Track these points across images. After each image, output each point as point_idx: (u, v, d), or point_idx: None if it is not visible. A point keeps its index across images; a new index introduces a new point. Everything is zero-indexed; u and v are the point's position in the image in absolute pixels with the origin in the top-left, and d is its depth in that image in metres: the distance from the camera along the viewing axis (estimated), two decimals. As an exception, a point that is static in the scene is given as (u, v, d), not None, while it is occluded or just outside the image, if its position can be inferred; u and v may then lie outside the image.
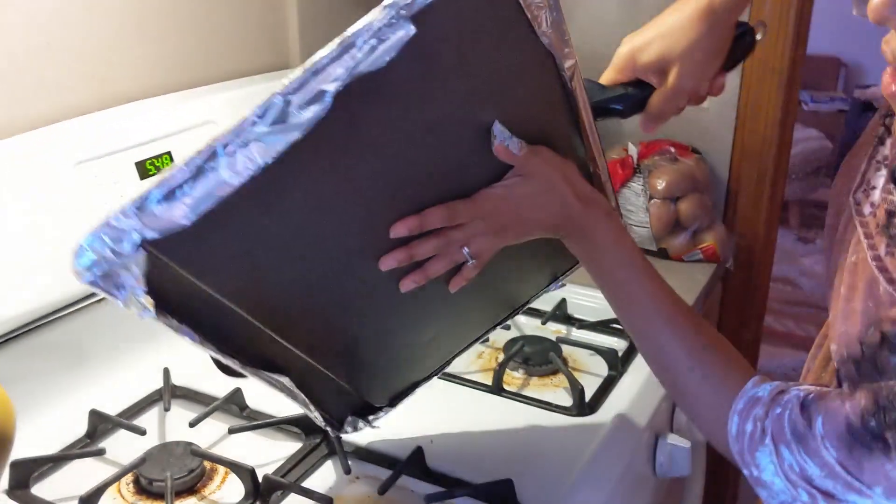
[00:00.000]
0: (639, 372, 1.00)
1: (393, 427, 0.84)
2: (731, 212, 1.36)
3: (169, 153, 1.03)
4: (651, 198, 1.28)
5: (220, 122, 1.09)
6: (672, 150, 1.32)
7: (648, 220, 1.28)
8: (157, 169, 1.01)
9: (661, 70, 0.74)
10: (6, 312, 0.85)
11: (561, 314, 1.16)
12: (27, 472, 0.81)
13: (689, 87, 0.74)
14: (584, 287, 1.23)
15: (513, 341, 1.06)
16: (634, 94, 0.75)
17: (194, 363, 1.00)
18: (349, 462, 0.82)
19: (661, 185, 1.27)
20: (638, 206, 1.28)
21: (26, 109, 0.95)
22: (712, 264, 1.30)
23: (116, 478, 0.79)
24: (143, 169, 0.99)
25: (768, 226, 1.35)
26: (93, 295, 0.95)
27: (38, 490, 0.81)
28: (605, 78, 0.77)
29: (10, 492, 0.80)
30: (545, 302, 1.15)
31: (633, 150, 1.32)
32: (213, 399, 0.91)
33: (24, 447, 0.83)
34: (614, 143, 1.41)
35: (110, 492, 0.80)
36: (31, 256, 0.87)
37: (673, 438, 0.98)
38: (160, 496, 0.79)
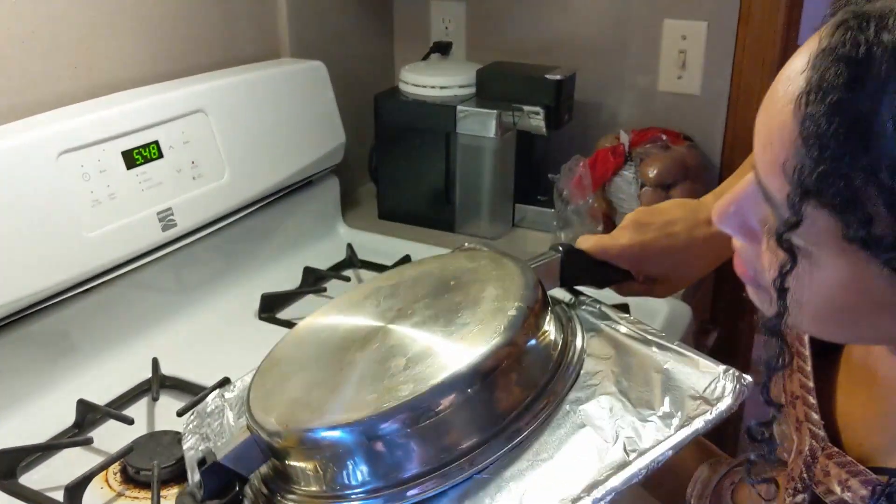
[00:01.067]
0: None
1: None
2: (723, 199, 1.36)
3: (156, 143, 1.02)
4: (643, 185, 1.27)
5: (208, 111, 1.09)
6: (664, 137, 1.31)
7: (640, 208, 1.27)
8: (144, 159, 1.01)
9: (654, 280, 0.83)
10: (-8, 303, 0.84)
11: None
12: (14, 462, 0.81)
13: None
14: (430, 244, 1.28)
15: None
16: (614, 279, 0.83)
17: (183, 354, 1.00)
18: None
19: (652, 172, 1.26)
20: (629, 195, 1.28)
21: (10, 99, 0.95)
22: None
23: (103, 467, 0.79)
24: (130, 158, 0.99)
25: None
26: (79, 285, 0.94)
27: (25, 480, 0.81)
28: (599, 243, 0.80)
29: (-3, 482, 0.80)
30: (389, 257, 1.21)
31: (624, 138, 1.31)
32: (202, 389, 0.91)
33: (11, 437, 0.83)
34: (606, 131, 1.40)
35: (98, 481, 0.80)
36: (15, 247, 0.87)
37: None
38: (147, 485, 0.79)
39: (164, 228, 1.02)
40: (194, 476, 0.65)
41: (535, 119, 1.27)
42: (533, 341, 0.64)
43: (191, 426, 0.76)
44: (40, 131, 0.91)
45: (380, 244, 1.32)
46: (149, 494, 0.78)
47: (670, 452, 0.59)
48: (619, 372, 0.67)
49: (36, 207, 0.89)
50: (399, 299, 0.72)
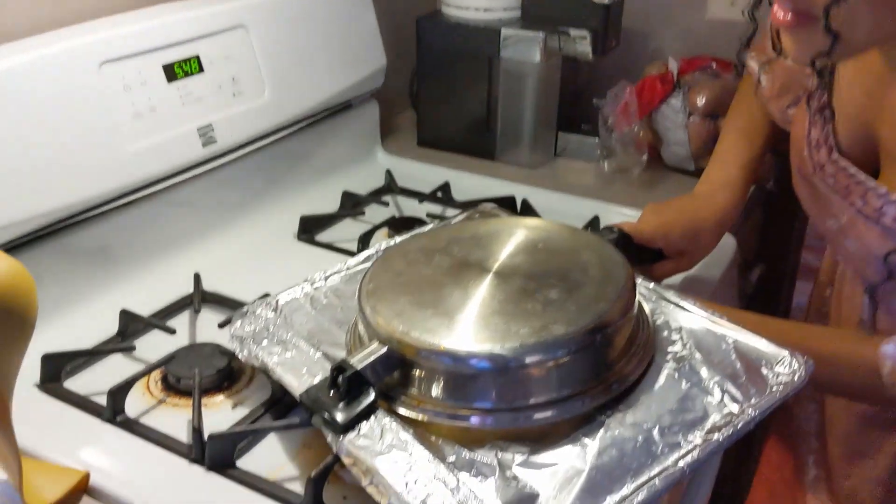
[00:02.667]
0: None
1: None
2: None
3: (197, 57, 1.01)
4: (690, 115, 1.24)
5: (249, 27, 1.07)
6: (714, 65, 1.27)
7: (687, 139, 1.24)
8: (185, 73, 0.99)
9: (679, 249, 0.94)
10: (31, 211, 0.85)
11: (443, 196, 1.22)
12: (59, 367, 0.82)
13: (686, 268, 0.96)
14: (469, 173, 1.29)
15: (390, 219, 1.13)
16: (651, 260, 0.94)
17: (223, 271, 1.00)
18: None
19: (701, 101, 1.23)
20: (676, 124, 1.25)
21: (52, 7, 0.94)
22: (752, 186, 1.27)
23: (145, 373, 0.80)
24: (171, 72, 0.98)
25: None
26: (121, 197, 0.94)
27: (69, 384, 0.82)
28: (633, 227, 0.92)
29: (42, 385, 0.81)
30: (427, 184, 1.22)
31: (672, 65, 1.27)
32: (242, 304, 0.91)
33: (55, 343, 0.84)
34: (654, 58, 1.36)
35: (139, 388, 0.81)
36: (57, 155, 0.87)
37: None
38: (188, 393, 0.80)
39: (205, 144, 1.01)
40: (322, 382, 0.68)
41: (581, 44, 1.23)
42: (636, 306, 0.73)
43: (245, 331, 0.79)
44: (82, 39, 0.90)
45: (419, 171, 1.31)
46: (188, 401, 0.79)
47: (758, 417, 0.66)
48: (692, 342, 0.74)
49: (77, 116, 0.88)
50: (490, 251, 0.77)
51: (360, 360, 0.67)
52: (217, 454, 0.71)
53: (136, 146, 0.94)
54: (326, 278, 0.85)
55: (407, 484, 0.59)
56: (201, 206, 1.06)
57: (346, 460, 0.63)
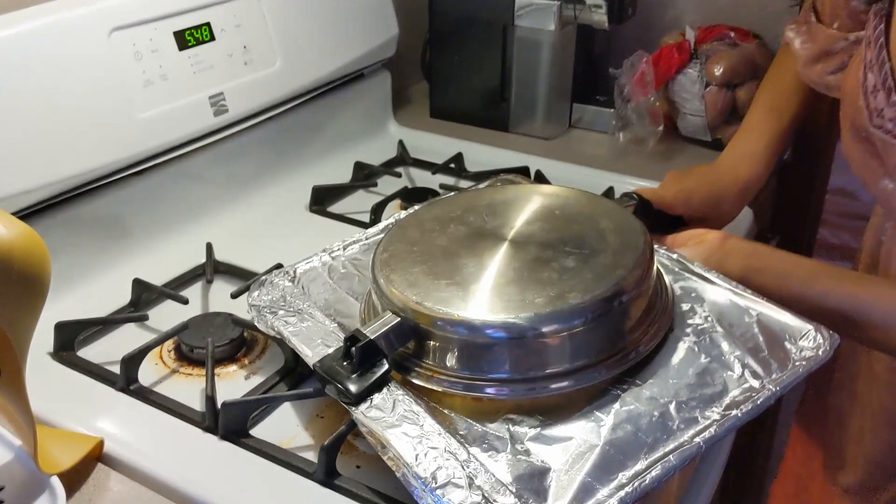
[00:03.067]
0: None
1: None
2: (791, 102, 1.30)
3: (208, 24, 1.00)
4: (708, 84, 1.22)
5: (260, -6, 1.06)
6: (732, 34, 1.25)
7: (704, 109, 1.22)
8: (196, 41, 0.98)
9: (699, 216, 0.92)
10: (42, 179, 0.84)
11: (456, 167, 1.21)
12: (72, 335, 0.82)
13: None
14: (482, 144, 1.28)
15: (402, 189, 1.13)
16: (671, 227, 0.90)
17: (235, 241, 1.00)
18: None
19: (718, 70, 1.21)
20: (693, 94, 1.23)
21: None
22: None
23: (158, 342, 0.80)
24: (182, 39, 0.97)
25: (831, 115, 1.29)
26: (132, 167, 0.94)
27: (83, 353, 0.82)
28: (654, 193, 0.91)
29: (56, 353, 0.81)
30: (440, 156, 1.21)
31: (690, 34, 1.25)
32: (254, 274, 0.91)
33: (68, 313, 0.84)
34: (671, 27, 1.34)
35: (152, 357, 0.81)
36: (67, 123, 0.86)
37: None
38: (200, 363, 0.80)
39: (216, 114, 1.00)
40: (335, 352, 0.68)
41: (597, 12, 1.21)
42: (654, 275, 0.72)
43: (264, 301, 0.78)
44: (92, 6, 0.89)
45: (431, 142, 1.30)
46: (201, 371, 0.79)
47: (779, 393, 0.65)
48: (714, 314, 0.73)
49: (87, 84, 0.87)
50: (506, 218, 0.76)
51: (373, 331, 0.66)
52: (231, 422, 0.70)
53: (146, 115, 0.93)
54: (345, 248, 0.85)
55: (417, 456, 0.59)
56: (213, 177, 1.05)
57: (362, 429, 0.63)
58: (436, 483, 0.57)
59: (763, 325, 0.71)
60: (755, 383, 0.66)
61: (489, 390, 0.65)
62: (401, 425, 0.62)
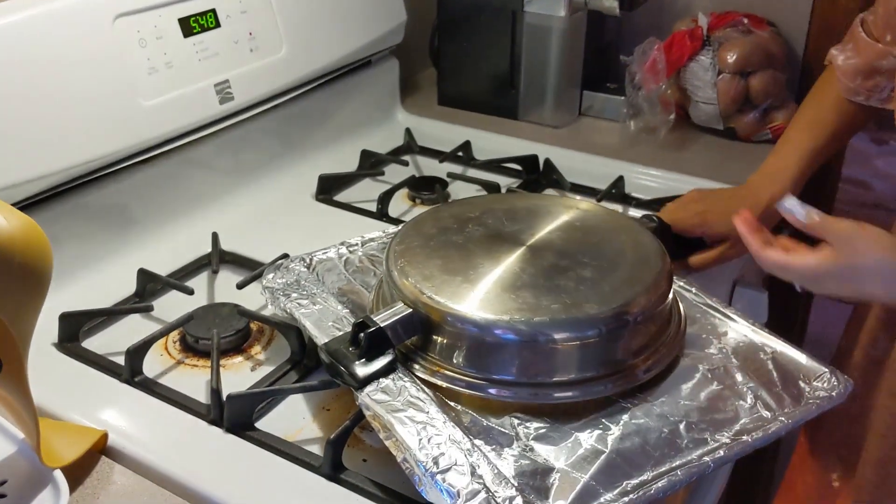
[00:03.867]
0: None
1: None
2: (805, 90, 1.27)
3: (213, 11, 0.98)
4: (720, 72, 1.20)
5: (266, -20, 1.05)
6: (745, 21, 1.22)
7: (716, 97, 1.21)
8: (201, 27, 0.97)
9: (717, 241, 0.89)
10: (46, 168, 0.83)
11: (463, 155, 1.20)
12: (77, 326, 0.81)
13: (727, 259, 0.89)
14: (491, 132, 1.26)
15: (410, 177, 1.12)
16: (690, 250, 0.90)
17: (241, 231, 0.99)
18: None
19: (731, 58, 1.19)
20: (706, 82, 1.21)
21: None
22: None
23: (163, 333, 0.79)
24: (187, 26, 0.96)
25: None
26: (138, 155, 0.93)
27: (87, 344, 0.81)
28: (671, 215, 0.89)
29: (60, 344, 0.80)
30: (447, 144, 1.20)
31: (703, 21, 1.23)
32: (260, 264, 0.90)
33: (73, 303, 0.83)
34: (683, 13, 1.32)
35: (158, 349, 0.80)
36: (72, 111, 0.85)
37: (750, 286, 0.99)
38: (206, 354, 0.79)
39: (222, 101, 0.99)
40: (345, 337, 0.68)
41: (607, -2, 1.20)
42: (670, 298, 0.71)
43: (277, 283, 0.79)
44: (96, -8, 0.88)
45: (439, 130, 1.28)
46: (207, 362, 0.78)
47: (790, 426, 0.65)
48: (730, 348, 0.72)
49: (91, 71, 0.86)
50: (525, 224, 0.76)
51: (383, 319, 0.66)
52: (236, 415, 0.70)
53: (151, 102, 0.92)
54: (363, 244, 0.85)
55: (420, 441, 0.59)
56: (219, 166, 1.04)
57: (366, 413, 0.62)
58: (437, 468, 0.57)
59: (778, 362, 0.71)
60: (767, 414, 0.65)
61: (493, 391, 0.64)
62: (406, 410, 0.61)
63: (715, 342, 0.73)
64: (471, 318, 0.64)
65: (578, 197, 1.11)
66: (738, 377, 0.69)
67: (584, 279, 0.68)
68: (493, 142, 1.24)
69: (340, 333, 0.69)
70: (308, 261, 0.82)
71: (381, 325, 0.65)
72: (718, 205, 0.90)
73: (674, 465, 0.60)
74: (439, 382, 0.65)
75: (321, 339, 0.70)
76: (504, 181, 1.13)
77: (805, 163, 0.89)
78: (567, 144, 1.23)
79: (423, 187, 1.10)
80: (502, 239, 0.73)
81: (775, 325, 1.06)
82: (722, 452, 0.61)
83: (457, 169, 1.17)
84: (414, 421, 0.60)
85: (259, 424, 0.71)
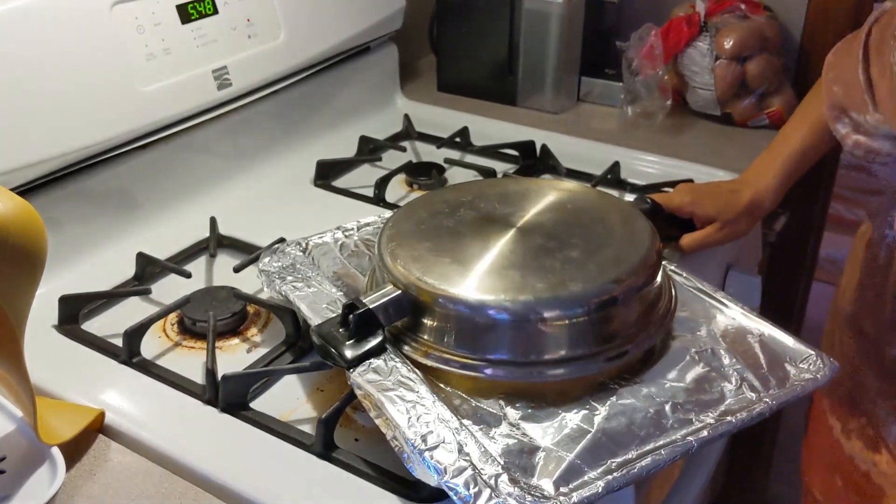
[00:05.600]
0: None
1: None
2: (802, 75, 1.28)
3: (211, -3, 0.99)
4: (717, 58, 1.20)
5: (263, -34, 1.05)
6: (742, 6, 1.22)
7: (713, 82, 1.21)
8: (199, 14, 0.98)
9: (706, 223, 0.90)
10: (44, 153, 0.84)
11: (461, 141, 1.20)
12: (76, 308, 0.83)
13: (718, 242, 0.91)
14: (489, 118, 1.27)
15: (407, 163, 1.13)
16: (681, 232, 0.91)
17: (239, 216, 1.00)
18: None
19: (728, 43, 1.19)
20: (703, 67, 1.21)
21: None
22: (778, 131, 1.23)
23: (161, 315, 0.80)
24: (185, 13, 0.96)
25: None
26: (136, 140, 0.94)
27: (86, 326, 0.83)
28: (666, 201, 0.90)
29: (60, 326, 0.82)
30: (446, 130, 1.21)
31: (700, 7, 1.23)
32: (258, 249, 0.91)
33: (72, 286, 0.85)
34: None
35: (156, 331, 0.82)
36: (70, 97, 0.86)
37: (743, 271, 1.00)
38: (203, 336, 0.80)
39: (220, 87, 1.00)
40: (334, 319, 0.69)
41: (605, -16, 1.20)
42: (659, 278, 0.72)
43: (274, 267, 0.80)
44: (93, -21, 0.88)
45: (438, 116, 1.29)
46: (203, 344, 0.79)
47: (775, 408, 0.65)
48: (718, 330, 0.73)
49: (89, 58, 0.87)
50: (516, 207, 0.76)
51: (372, 300, 0.67)
52: (230, 395, 0.71)
53: (149, 88, 0.93)
54: (359, 228, 0.86)
55: (409, 419, 0.60)
56: (217, 151, 1.05)
57: (357, 392, 0.64)
58: (425, 445, 0.58)
59: (765, 345, 0.72)
60: (752, 396, 0.66)
61: (484, 370, 0.65)
62: (396, 389, 0.63)
63: (704, 325, 0.74)
64: (458, 297, 0.65)
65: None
66: (725, 359, 0.70)
67: (571, 259, 0.69)
68: (491, 127, 1.25)
69: (333, 316, 0.70)
70: (304, 245, 0.83)
71: (371, 306, 0.66)
72: (709, 189, 0.92)
73: (658, 444, 0.61)
74: (429, 363, 0.66)
75: (315, 320, 0.71)
76: (501, 167, 1.14)
77: (794, 161, 0.91)
78: (565, 130, 1.23)
79: (420, 173, 1.11)
80: (493, 221, 0.74)
81: (773, 311, 1.07)
82: (706, 433, 0.62)
83: (454, 155, 1.18)
84: (404, 400, 0.62)
85: (254, 404, 0.72)
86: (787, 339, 0.72)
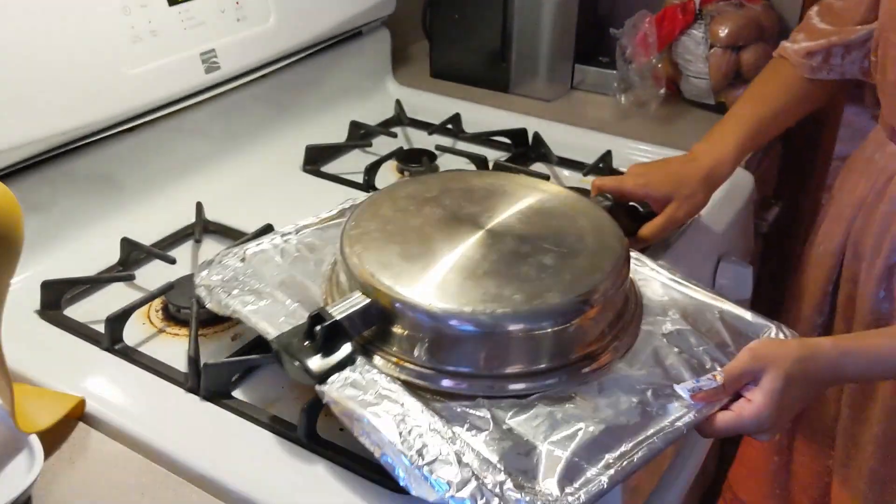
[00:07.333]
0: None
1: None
2: (798, 66, 1.26)
3: (199, -22, 0.97)
4: (712, 46, 1.19)
5: (253, -52, 1.04)
6: (739, -6, 1.21)
7: (707, 71, 1.20)
8: (187, -5, 0.96)
9: (664, 204, 0.87)
10: (28, 136, 0.83)
11: (453, 128, 1.19)
12: (59, 294, 0.82)
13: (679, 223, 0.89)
14: (482, 105, 1.26)
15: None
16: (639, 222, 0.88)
17: (226, 201, 0.99)
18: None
19: (723, 32, 1.18)
20: (697, 56, 1.20)
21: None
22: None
23: (144, 302, 0.79)
24: (172, -7, 0.95)
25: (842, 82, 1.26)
26: (122, 124, 0.93)
27: (69, 312, 0.82)
28: (617, 189, 0.88)
29: (42, 311, 0.81)
30: (438, 116, 1.19)
31: (695, -6, 1.22)
32: (244, 234, 0.90)
33: (55, 271, 0.84)
34: (676, -13, 1.30)
35: (140, 317, 0.81)
36: (55, 79, 0.84)
37: (735, 262, 0.99)
38: (187, 323, 0.79)
39: (208, 71, 0.99)
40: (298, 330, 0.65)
41: (600, -30, 1.19)
42: (629, 276, 0.71)
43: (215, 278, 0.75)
44: (78, -41, 0.87)
45: (430, 102, 1.28)
46: (187, 331, 0.78)
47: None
48: (679, 311, 0.72)
49: (74, 39, 0.86)
50: (483, 206, 0.74)
51: (340, 311, 0.64)
52: (213, 383, 0.70)
53: (136, 70, 0.91)
54: (297, 231, 0.81)
55: (401, 434, 0.57)
56: (205, 135, 1.04)
57: (335, 409, 0.61)
58: (423, 460, 0.56)
59: (726, 322, 0.71)
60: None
61: (456, 384, 0.63)
62: (380, 403, 0.60)
63: (664, 306, 0.73)
64: (433, 309, 0.63)
65: (567, 172, 1.12)
66: (693, 339, 0.69)
67: (545, 266, 0.67)
68: (483, 114, 1.23)
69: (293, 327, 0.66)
70: (242, 254, 0.78)
71: (338, 317, 0.63)
72: (660, 167, 0.90)
73: (649, 433, 0.60)
74: (401, 375, 0.63)
75: (273, 336, 0.66)
76: (493, 154, 1.13)
77: (747, 133, 0.90)
78: (558, 118, 1.22)
79: (411, 159, 1.10)
80: (461, 221, 0.72)
81: (766, 302, 1.07)
82: (692, 416, 0.62)
83: (446, 141, 1.17)
84: (390, 414, 0.59)
85: (237, 393, 0.72)
86: (745, 314, 0.72)
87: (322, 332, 0.63)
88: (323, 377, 0.62)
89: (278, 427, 0.67)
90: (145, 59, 0.92)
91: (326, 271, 0.75)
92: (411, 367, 0.64)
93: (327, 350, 0.63)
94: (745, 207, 1.06)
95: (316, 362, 0.62)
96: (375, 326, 0.65)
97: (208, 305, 0.73)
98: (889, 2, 0.80)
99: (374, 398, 0.61)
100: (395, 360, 0.65)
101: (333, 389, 0.61)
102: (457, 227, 0.71)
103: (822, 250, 0.96)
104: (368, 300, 0.65)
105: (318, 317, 0.64)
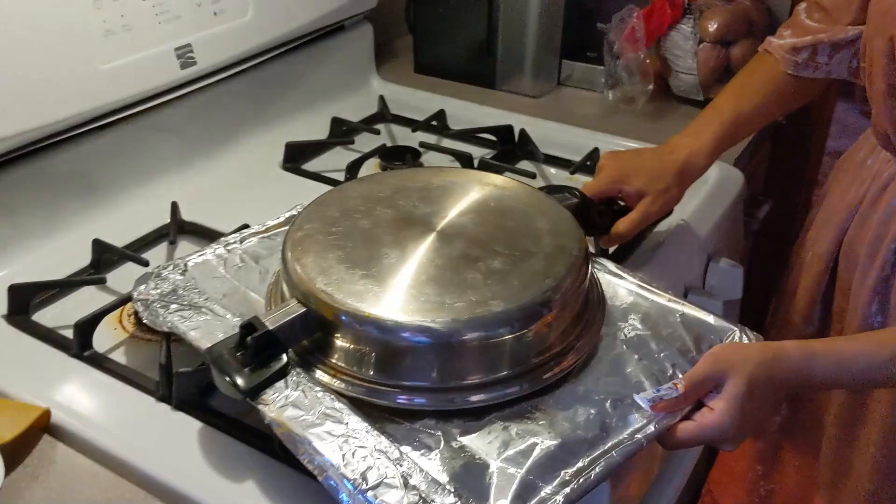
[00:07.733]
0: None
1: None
2: (788, 61, 1.25)
3: (175, -31, 0.94)
4: (701, 41, 1.17)
5: (230, -60, 1.00)
6: (728, -12, 1.19)
7: (696, 66, 1.18)
8: (161, -12, 0.93)
9: (637, 199, 0.84)
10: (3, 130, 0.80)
11: (437, 125, 1.17)
12: (27, 298, 0.79)
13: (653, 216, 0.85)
14: (467, 101, 1.23)
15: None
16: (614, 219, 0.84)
17: (202, 200, 0.96)
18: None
19: (712, 27, 1.16)
20: (686, 51, 1.18)
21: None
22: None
23: (115, 306, 0.76)
24: (148, -14, 0.92)
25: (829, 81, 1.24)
26: (95, 120, 0.90)
27: (38, 317, 0.79)
28: (591, 189, 0.84)
29: (9, 317, 0.78)
30: (422, 112, 1.17)
31: (684, -12, 1.20)
32: (220, 235, 0.87)
33: (25, 274, 0.81)
34: (665, -19, 1.28)
35: (112, 322, 0.78)
36: (23, 74, 0.81)
37: (725, 262, 0.97)
38: (161, 328, 0.77)
39: (183, 66, 0.96)
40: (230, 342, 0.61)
41: (587, -37, 1.16)
42: (587, 281, 0.68)
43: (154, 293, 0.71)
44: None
45: (414, 98, 1.25)
46: (160, 337, 0.76)
47: None
48: (639, 315, 0.70)
49: (44, 33, 0.83)
50: (438, 206, 0.71)
51: (273, 321, 0.60)
52: (185, 392, 0.68)
53: (109, 66, 0.88)
54: (242, 241, 0.78)
55: (344, 456, 0.55)
56: (181, 132, 1.01)
57: (276, 431, 0.57)
58: (366, 484, 0.53)
59: (688, 325, 0.69)
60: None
61: (400, 399, 0.60)
62: (323, 424, 0.57)
63: (625, 311, 0.71)
64: (368, 317, 0.59)
65: (554, 170, 1.09)
66: (653, 345, 0.67)
67: (493, 271, 0.63)
68: (468, 111, 1.21)
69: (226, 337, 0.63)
70: (183, 266, 0.74)
71: (271, 327, 0.60)
72: (634, 160, 0.87)
73: (607, 446, 0.58)
74: (346, 391, 0.60)
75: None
76: (478, 152, 1.11)
77: (725, 126, 0.88)
78: (544, 115, 1.20)
79: (394, 157, 1.08)
80: (412, 223, 0.68)
81: (757, 302, 1.05)
82: (652, 428, 0.59)
83: (430, 139, 1.14)
84: (333, 434, 0.56)
85: (212, 402, 0.69)
86: (707, 317, 0.70)
87: (253, 343, 0.59)
88: (253, 392, 0.58)
89: (254, 439, 0.65)
90: (118, 54, 0.89)
91: (271, 279, 0.72)
92: (355, 381, 0.61)
93: (260, 362, 0.59)
94: (734, 206, 1.04)
95: (245, 377, 0.58)
96: (317, 335, 0.62)
97: (146, 321, 0.68)
98: (876, 4, 0.77)
99: (317, 418, 0.57)
100: (336, 373, 0.61)
101: (273, 410, 0.58)
102: (407, 229, 0.68)
103: (812, 254, 0.94)
104: (304, 309, 0.61)
105: (249, 326, 0.60)
